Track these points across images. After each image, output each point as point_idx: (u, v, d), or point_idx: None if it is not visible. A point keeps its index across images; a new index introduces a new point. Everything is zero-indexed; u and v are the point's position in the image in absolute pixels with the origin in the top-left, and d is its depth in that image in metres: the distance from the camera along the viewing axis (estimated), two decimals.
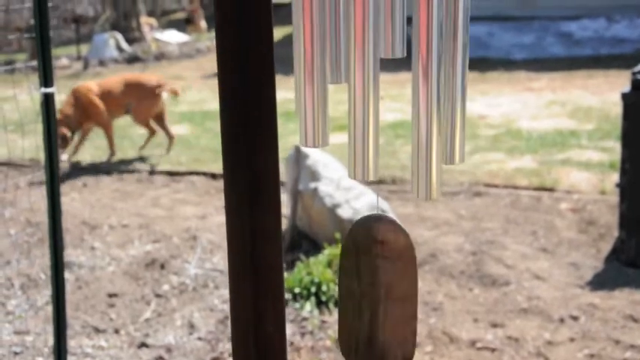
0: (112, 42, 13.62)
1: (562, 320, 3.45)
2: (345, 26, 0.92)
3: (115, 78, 7.44)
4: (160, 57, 13.59)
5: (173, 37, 15.03)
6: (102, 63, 12.89)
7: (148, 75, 8.25)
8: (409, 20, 0.87)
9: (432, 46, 0.89)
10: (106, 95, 6.78)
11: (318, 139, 0.92)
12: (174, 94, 7.41)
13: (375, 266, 0.98)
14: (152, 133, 7.01)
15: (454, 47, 0.92)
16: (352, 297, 1.00)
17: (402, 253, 0.98)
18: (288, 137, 6.53)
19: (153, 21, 16.15)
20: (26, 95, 3.11)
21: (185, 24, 16.59)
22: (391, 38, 0.92)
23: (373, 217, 1.00)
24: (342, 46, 0.94)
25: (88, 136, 6.93)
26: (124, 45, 13.87)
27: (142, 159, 6.80)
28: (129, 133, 7.51)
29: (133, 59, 13.28)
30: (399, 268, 0.98)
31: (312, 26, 0.89)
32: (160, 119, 6.99)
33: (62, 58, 13.70)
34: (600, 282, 3.83)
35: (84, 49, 14.17)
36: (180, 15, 18.18)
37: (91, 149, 7.14)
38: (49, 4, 2.48)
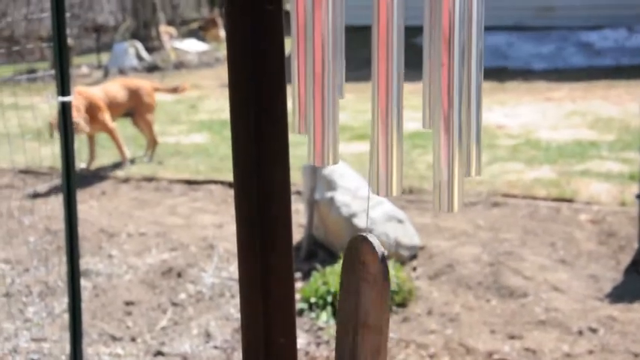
0: (131, 51, 13.70)
1: (581, 332, 3.41)
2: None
3: (114, 83, 7.55)
4: (179, 66, 13.65)
5: (192, 46, 15.09)
6: (122, 71, 12.96)
7: (140, 79, 8.39)
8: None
9: (453, 58, 0.88)
10: (111, 100, 6.87)
11: (328, 158, 0.91)
12: (182, 91, 7.66)
13: (357, 288, 0.96)
14: (154, 142, 7.12)
15: (469, 57, 0.92)
16: (343, 313, 0.99)
17: (377, 278, 0.96)
18: (304, 146, 6.53)
19: (172, 30, 16.22)
20: (45, 104, 3.13)
21: (199, 31, 16.65)
22: None
23: (360, 237, 0.98)
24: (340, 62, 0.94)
25: (95, 141, 6.98)
26: (144, 54, 13.95)
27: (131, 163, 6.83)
28: (145, 143, 7.53)
29: (152, 68, 13.35)
30: (374, 294, 0.96)
31: (322, 39, 0.88)
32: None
33: (82, 66, 13.79)
34: (620, 294, 3.79)
35: (104, 57, 14.27)
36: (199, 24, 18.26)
37: (113, 157, 7.18)
38: (68, 14, 2.49)
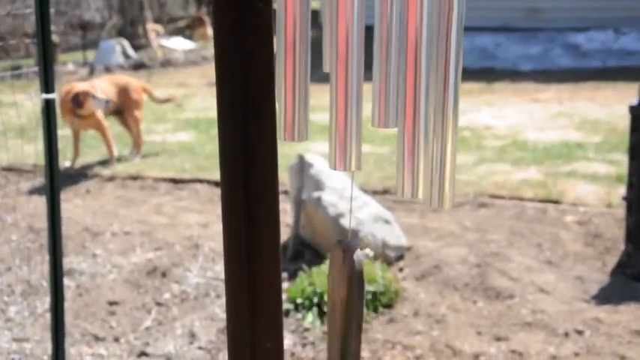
0: (118, 48, 13.62)
1: (567, 334, 3.41)
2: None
3: (102, 80, 7.50)
4: (166, 64, 13.59)
5: (179, 44, 15.04)
6: (108, 69, 12.88)
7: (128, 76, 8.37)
8: None
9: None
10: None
11: (350, 162, 0.90)
12: (173, 101, 7.72)
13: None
14: (140, 140, 7.10)
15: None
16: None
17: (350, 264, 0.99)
18: (293, 145, 6.50)
19: (159, 28, 16.15)
20: (28, 101, 3.09)
21: (186, 29, 16.61)
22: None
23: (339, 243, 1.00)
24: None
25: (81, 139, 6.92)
26: (130, 51, 13.88)
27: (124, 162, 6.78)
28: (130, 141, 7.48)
29: (138, 66, 13.28)
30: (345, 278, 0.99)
31: (345, 35, 0.86)
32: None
33: (68, 63, 13.71)
34: (606, 296, 3.79)
35: (90, 55, 14.19)
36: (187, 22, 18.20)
37: (98, 155, 7.12)
38: (53, 10, 2.46)
